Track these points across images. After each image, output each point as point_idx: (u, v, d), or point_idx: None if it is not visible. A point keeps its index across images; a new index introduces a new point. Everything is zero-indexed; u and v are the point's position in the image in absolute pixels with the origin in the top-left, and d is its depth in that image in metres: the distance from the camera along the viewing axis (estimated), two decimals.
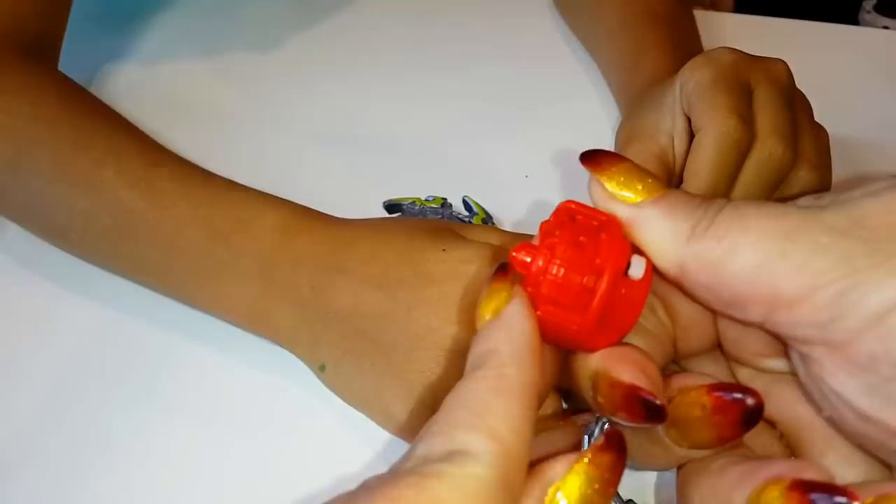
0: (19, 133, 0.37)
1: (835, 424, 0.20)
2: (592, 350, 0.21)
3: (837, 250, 0.18)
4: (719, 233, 0.19)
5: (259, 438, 0.34)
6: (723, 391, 0.20)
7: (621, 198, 0.21)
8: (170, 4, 0.60)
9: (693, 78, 0.37)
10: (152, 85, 0.53)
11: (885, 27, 0.84)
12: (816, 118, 0.39)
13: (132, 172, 0.35)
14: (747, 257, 0.19)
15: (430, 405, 0.30)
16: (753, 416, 0.19)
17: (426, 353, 0.30)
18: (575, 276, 0.20)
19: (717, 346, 0.24)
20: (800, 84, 0.38)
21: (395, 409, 0.31)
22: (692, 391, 0.20)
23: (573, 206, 0.22)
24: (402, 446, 0.32)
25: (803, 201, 0.20)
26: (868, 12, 0.85)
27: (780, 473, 0.18)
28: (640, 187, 0.21)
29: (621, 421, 0.21)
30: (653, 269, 0.21)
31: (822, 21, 0.57)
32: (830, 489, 0.17)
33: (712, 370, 0.24)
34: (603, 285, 0.20)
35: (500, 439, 0.18)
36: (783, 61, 0.38)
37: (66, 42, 0.45)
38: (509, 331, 0.20)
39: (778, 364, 0.22)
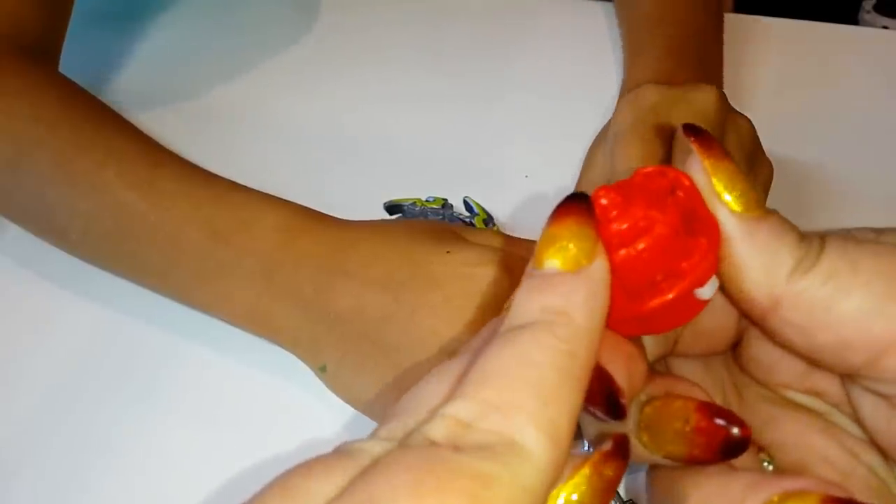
0: (19, 134, 0.37)
1: None
2: (608, 328, 0.19)
3: None
4: (825, 272, 0.18)
5: (259, 439, 0.34)
6: (713, 414, 0.18)
7: (728, 203, 0.19)
8: (171, 5, 0.60)
9: (616, 121, 0.37)
10: (154, 86, 0.53)
11: (885, 27, 0.84)
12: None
13: (133, 173, 0.35)
14: (858, 301, 0.18)
15: None
16: (737, 448, 0.18)
17: (430, 356, 0.30)
18: (653, 267, 0.18)
19: (717, 353, 0.23)
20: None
21: None
22: (678, 401, 0.19)
23: (686, 181, 0.19)
24: None
25: (864, 235, 0.19)
26: (868, 12, 0.85)
27: (805, 487, 0.17)
28: (744, 196, 0.19)
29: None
30: (717, 293, 0.19)
31: (821, 21, 0.57)
32: None
33: (700, 377, 0.23)
34: (671, 295, 0.18)
35: (558, 442, 0.15)
36: (713, 90, 0.37)
37: (68, 43, 0.45)
38: (590, 298, 0.17)
39: (801, 398, 0.21)
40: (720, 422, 0.18)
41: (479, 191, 0.43)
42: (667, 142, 0.36)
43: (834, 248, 0.18)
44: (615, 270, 0.18)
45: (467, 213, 0.42)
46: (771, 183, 0.38)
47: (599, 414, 0.18)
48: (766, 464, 0.21)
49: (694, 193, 0.19)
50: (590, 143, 0.43)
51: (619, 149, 0.36)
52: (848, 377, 0.20)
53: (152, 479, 0.33)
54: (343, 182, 0.46)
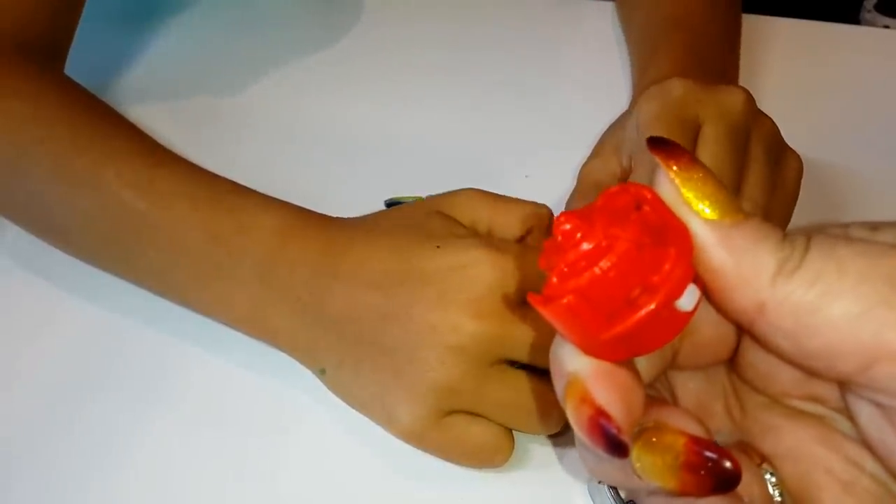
0: (19, 134, 0.37)
1: None
2: (593, 356, 0.19)
3: None
4: (811, 274, 0.17)
5: (259, 440, 0.34)
6: (702, 448, 0.18)
7: (699, 210, 0.18)
8: (177, 8, 0.60)
9: (642, 109, 0.37)
10: (158, 86, 0.53)
11: (886, 27, 0.83)
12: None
13: (133, 173, 0.35)
14: (846, 304, 0.17)
15: (433, 406, 0.30)
16: (727, 483, 0.18)
17: (429, 352, 0.30)
18: (624, 284, 0.18)
19: (719, 363, 0.22)
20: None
21: (399, 411, 0.31)
22: (668, 434, 0.19)
23: (649, 195, 0.19)
24: (403, 447, 0.32)
25: (858, 232, 0.18)
26: (869, 12, 0.85)
27: None
28: (718, 202, 0.18)
29: (582, 437, 0.19)
30: (700, 302, 0.19)
31: (822, 20, 0.57)
32: None
33: (702, 387, 0.22)
34: (646, 310, 0.17)
35: None
36: (741, 91, 0.37)
37: (75, 42, 0.45)
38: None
39: (804, 406, 0.21)
40: (710, 456, 0.18)
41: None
42: (691, 136, 0.35)
43: (819, 248, 0.17)
44: (585, 293, 0.18)
45: None
46: (802, 175, 0.38)
47: (601, 453, 0.18)
48: (768, 475, 0.21)
49: (659, 205, 0.19)
50: (590, 143, 0.43)
51: (642, 139, 0.36)
52: (842, 384, 0.19)
53: (152, 481, 0.33)
54: (345, 181, 0.46)
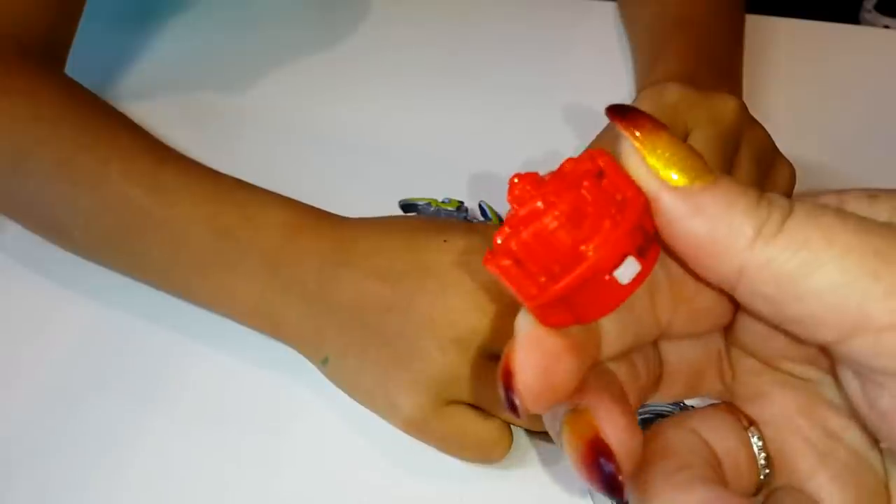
0: (21, 134, 0.37)
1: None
2: (534, 317, 0.19)
3: None
4: (795, 240, 0.17)
5: (260, 436, 0.34)
6: (597, 452, 0.18)
7: (667, 177, 0.18)
8: (177, 8, 0.60)
9: None
10: (160, 87, 0.53)
11: (886, 27, 0.84)
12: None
13: (137, 170, 0.35)
14: (831, 274, 0.16)
15: (435, 395, 0.31)
16: (610, 491, 0.18)
17: (430, 343, 0.30)
18: (551, 255, 0.17)
19: (718, 329, 0.22)
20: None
21: (401, 401, 0.31)
22: (584, 422, 0.18)
23: (602, 163, 0.18)
24: (404, 443, 0.32)
25: (855, 202, 0.18)
26: (869, 11, 0.85)
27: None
28: (687, 167, 0.18)
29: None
30: (643, 278, 0.18)
31: (822, 20, 0.57)
32: None
33: (694, 353, 0.22)
34: (564, 283, 0.17)
35: None
36: (734, 99, 0.37)
37: (76, 43, 0.45)
38: None
39: (798, 370, 0.21)
40: (602, 464, 0.18)
41: (492, 195, 0.43)
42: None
43: (804, 214, 0.17)
44: (518, 257, 0.18)
45: (482, 218, 0.42)
46: (794, 184, 0.38)
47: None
48: (755, 439, 0.21)
49: (614, 174, 0.18)
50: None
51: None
52: (824, 351, 0.19)
53: (153, 477, 0.33)
54: (347, 182, 0.46)
